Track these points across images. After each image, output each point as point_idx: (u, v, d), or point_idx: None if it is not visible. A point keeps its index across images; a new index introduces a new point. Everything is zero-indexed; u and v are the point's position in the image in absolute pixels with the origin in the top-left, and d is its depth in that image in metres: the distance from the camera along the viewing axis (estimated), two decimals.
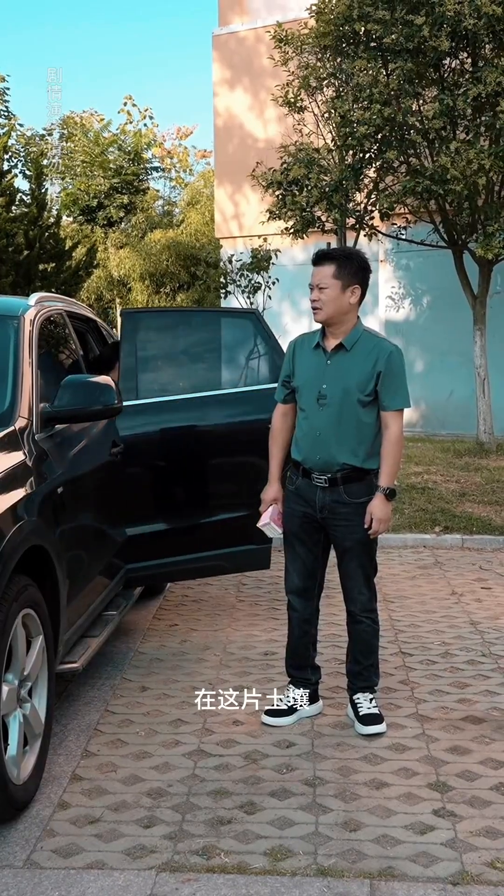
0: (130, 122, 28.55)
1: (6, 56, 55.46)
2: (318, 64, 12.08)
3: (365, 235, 12.75)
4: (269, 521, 4.44)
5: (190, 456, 5.49)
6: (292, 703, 4.40)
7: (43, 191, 15.59)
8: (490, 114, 10.76)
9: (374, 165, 11.86)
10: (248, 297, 13.79)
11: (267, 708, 4.43)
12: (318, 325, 4.32)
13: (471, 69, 11.07)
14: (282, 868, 3.18)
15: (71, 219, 27.13)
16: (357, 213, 12.31)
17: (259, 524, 4.48)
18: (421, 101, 11.46)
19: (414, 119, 11.08)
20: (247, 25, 17.07)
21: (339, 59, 11.86)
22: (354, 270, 4.18)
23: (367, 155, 11.74)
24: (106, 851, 3.29)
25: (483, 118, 10.95)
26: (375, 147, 11.57)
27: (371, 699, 4.35)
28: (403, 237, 13.13)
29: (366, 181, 12.08)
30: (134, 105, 29.47)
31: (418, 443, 12.81)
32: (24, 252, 14.38)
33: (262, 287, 13.69)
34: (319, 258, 4.21)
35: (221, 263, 15.12)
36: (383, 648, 5.14)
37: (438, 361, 15.08)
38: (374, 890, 3.06)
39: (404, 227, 12.97)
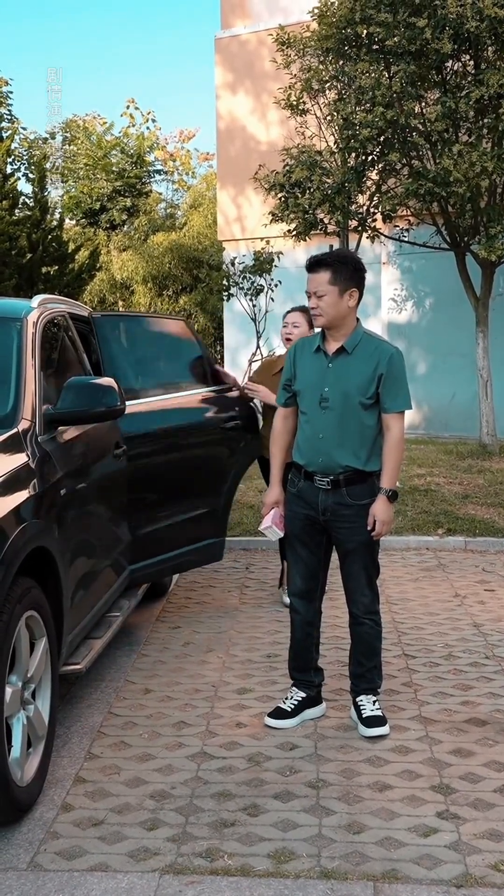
0: (133, 126, 28.61)
1: (6, 58, 55.54)
2: (321, 67, 12.09)
3: (367, 238, 12.76)
4: (271, 524, 4.45)
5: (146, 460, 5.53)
6: (295, 705, 4.40)
7: (46, 194, 15.60)
8: (492, 116, 10.78)
9: (376, 168, 11.88)
10: (251, 300, 13.80)
11: (270, 710, 4.43)
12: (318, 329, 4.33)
13: (473, 72, 11.08)
14: (285, 870, 3.18)
15: (74, 222, 27.16)
16: (359, 216, 12.32)
17: (261, 527, 4.49)
18: (423, 104, 11.47)
19: (416, 121, 11.09)
20: (249, 28, 17.09)
21: (341, 62, 11.87)
22: (350, 274, 4.18)
23: (370, 157, 11.75)
24: (109, 854, 3.29)
25: (485, 120, 10.96)
26: (378, 149, 11.59)
27: (374, 701, 4.35)
28: (406, 239, 13.14)
29: (368, 183, 12.10)
30: (136, 108, 29.52)
31: (421, 445, 12.81)
32: (27, 255, 14.38)
33: (265, 289, 13.70)
34: (313, 265, 4.20)
35: (224, 266, 15.13)
36: (386, 650, 5.14)
37: (441, 363, 15.08)
38: (377, 892, 3.05)
39: (407, 230, 12.99)
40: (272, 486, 4.49)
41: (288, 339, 5.81)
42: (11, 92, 24.37)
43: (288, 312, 6.02)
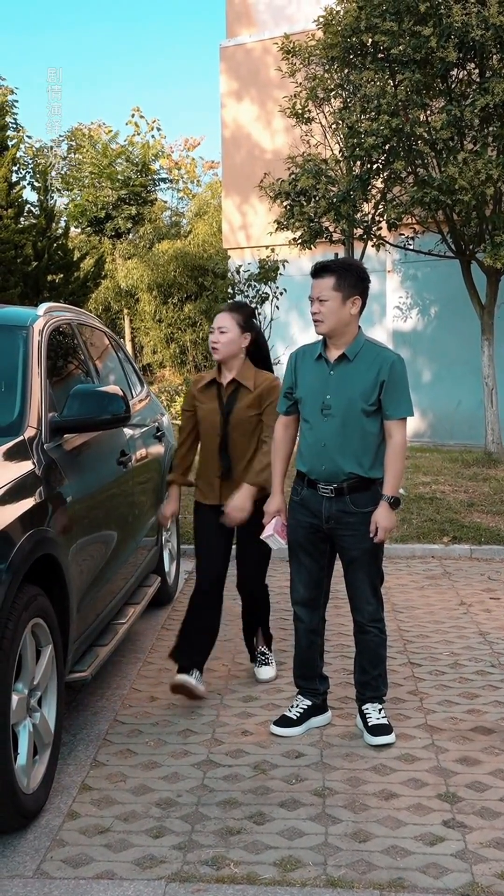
0: (138, 134, 28.65)
1: (10, 67, 55.81)
2: (326, 75, 12.13)
3: (373, 246, 12.78)
4: (273, 533, 4.43)
5: None
6: (301, 713, 4.39)
7: (52, 203, 15.65)
8: (498, 124, 10.80)
9: (381, 176, 11.91)
10: (256, 308, 13.81)
11: (275, 718, 4.42)
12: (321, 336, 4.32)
13: (478, 80, 11.10)
14: (291, 878, 3.17)
15: (79, 230, 27.21)
16: (365, 224, 12.34)
17: (262, 536, 4.47)
18: (428, 112, 11.50)
19: (421, 130, 11.12)
20: (254, 37, 17.13)
21: (346, 71, 11.90)
22: (354, 282, 4.19)
23: (375, 165, 11.78)
24: (115, 861, 3.29)
25: (491, 129, 10.98)
26: (383, 158, 11.61)
27: (380, 709, 4.34)
28: (411, 247, 13.16)
29: (373, 192, 12.13)
30: (142, 117, 29.56)
31: (426, 453, 12.81)
32: (32, 263, 14.43)
33: (270, 297, 13.71)
34: (318, 270, 4.22)
35: (229, 274, 15.15)
36: (392, 659, 5.13)
37: (446, 371, 15.09)
38: None
39: (412, 238, 13.00)
40: (273, 495, 4.48)
41: (214, 349, 4.74)
42: (17, 101, 24.48)
43: (217, 314, 4.85)
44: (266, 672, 5.06)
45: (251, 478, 4.66)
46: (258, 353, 4.88)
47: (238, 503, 4.65)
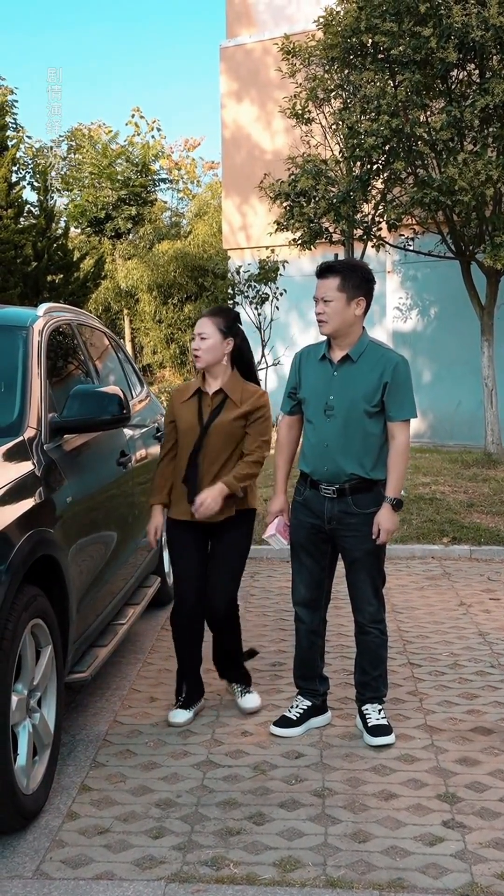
0: (138, 134, 28.68)
1: (9, 67, 55.82)
2: (326, 76, 12.13)
3: (373, 246, 12.78)
4: (275, 533, 4.44)
5: None
6: (300, 713, 4.39)
7: (52, 202, 15.67)
8: (498, 125, 10.81)
9: (381, 177, 11.92)
10: (256, 308, 13.81)
11: (275, 719, 4.42)
12: (325, 337, 4.33)
13: (478, 80, 11.10)
14: (291, 879, 3.17)
15: (79, 230, 27.23)
16: (365, 225, 12.35)
17: (265, 535, 4.48)
18: (428, 113, 11.50)
19: (422, 130, 11.12)
20: (254, 38, 17.13)
21: (346, 71, 11.91)
22: (359, 282, 4.19)
23: (375, 166, 11.78)
24: (115, 862, 3.29)
25: (490, 129, 10.98)
26: (383, 158, 11.62)
27: (380, 710, 4.35)
28: (411, 248, 13.17)
29: (373, 192, 12.13)
30: (142, 117, 29.61)
31: (426, 453, 12.81)
32: (32, 263, 14.45)
33: (270, 298, 13.71)
34: (323, 271, 4.23)
35: (229, 274, 15.15)
36: (392, 659, 5.13)
37: (446, 372, 15.09)
38: None
39: (412, 238, 13.01)
40: (277, 494, 4.49)
41: (196, 356, 4.49)
42: (17, 101, 24.49)
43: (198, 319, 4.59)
44: (250, 701, 4.66)
45: (228, 479, 4.36)
46: (241, 360, 4.57)
47: (208, 497, 4.33)
